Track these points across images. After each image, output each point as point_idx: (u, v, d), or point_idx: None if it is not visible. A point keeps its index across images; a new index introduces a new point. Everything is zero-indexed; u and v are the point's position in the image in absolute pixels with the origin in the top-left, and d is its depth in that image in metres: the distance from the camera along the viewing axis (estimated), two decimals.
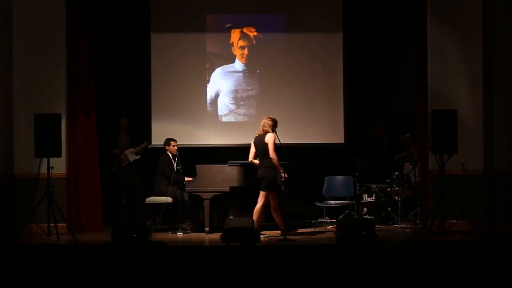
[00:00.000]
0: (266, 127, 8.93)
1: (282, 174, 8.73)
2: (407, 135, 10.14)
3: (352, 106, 10.98)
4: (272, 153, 8.77)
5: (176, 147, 9.91)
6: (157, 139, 10.74)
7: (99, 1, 10.31)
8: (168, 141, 10.00)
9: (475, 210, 9.04)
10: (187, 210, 9.93)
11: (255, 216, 8.85)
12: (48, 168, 8.85)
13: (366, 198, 10.14)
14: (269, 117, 9.04)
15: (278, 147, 9.01)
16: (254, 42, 11.07)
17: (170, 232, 9.44)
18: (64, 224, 9.05)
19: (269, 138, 8.83)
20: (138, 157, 10.43)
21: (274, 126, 8.95)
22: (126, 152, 10.38)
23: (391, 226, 9.82)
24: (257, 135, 9.02)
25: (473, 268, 4.54)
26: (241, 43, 11.08)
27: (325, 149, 10.89)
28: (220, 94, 11.07)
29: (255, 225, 8.68)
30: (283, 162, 8.77)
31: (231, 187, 9.52)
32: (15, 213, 9.16)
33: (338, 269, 5.25)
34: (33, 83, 9.42)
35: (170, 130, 10.65)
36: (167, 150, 9.97)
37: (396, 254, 5.71)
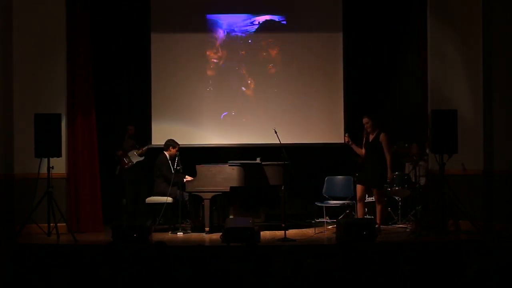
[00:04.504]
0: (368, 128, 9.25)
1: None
2: (415, 143, 10.11)
3: (352, 106, 10.97)
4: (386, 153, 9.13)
5: (177, 152, 9.84)
6: (157, 139, 10.72)
7: (99, 1, 10.31)
8: (175, 145, 9.86)
9: (475, 210, 9.04)
10: (187, 210, 9.92)
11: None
12: (48, 168, 8.85)
13: (366, 198, 10.13)
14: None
15: (278, 147, 9.03)
16: (254, 42, 11.08)
17: (170, 232, 9.44)
18: (64, 224, 9.05)
19: (382, 138, 9.14)
20: (141, 158, 10.41)
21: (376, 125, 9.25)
22: (130, 154, 10.36)
23: (391, 226, 9.82)
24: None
25: (471, 267, 4.55)
26: (241, 43, 11.08)
27: (325, 149, 10.90)
28: (220, 94, 11.07)
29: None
30: (283, 162, 8.77)
31: (231, 187, 9.53)
32: (15, 213, 9.16)
33: (338, 269, 5.26)
34: (33, 83, 9.42)
35: (171, 130, 10.65)
36: (168, 151, 9.90)
37: (396, 254, 5.72)
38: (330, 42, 11.10)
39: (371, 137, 9.25)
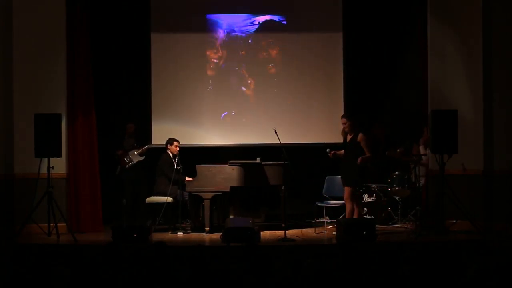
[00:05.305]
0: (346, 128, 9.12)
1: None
2: (398, 150, 10.08)
3: (352, 106, 10.97)
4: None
5: (178, 147, 9.88)
6: (157, 139, 10.73)
7: (99, 1, 10.31)
8: (171, 141, 9.94)
9: (475, 210, 9.04)
10: (187, 210, 9.93)
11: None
12: (48, 168, 8.84)
13: (366, 198, 10.12)
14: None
15: (278, 147, 9.03)
16: (254, 42, 11.07)
17: (170, 232, 9.44)
18: (64, 224, 9.05)
19: (360, 138, 8.99)
20: (142, 158, 10.40)
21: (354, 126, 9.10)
22: (130, 153, 10.37)
23: (391, 226, 9.82)
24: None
25: (471, 267, 4.54)
26: (241, 43, 11.08)
27: (325, 149, 10.88)
28: (220, 94, 11.07)
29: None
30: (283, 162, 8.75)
31: (231, 187, 9.53)
32: (15, 213, 9.16)
33: (338, 269, 5.26)
34: (33, 83, 9.42)
35: (171, 130, 10.65)
36: (168, 149, 9.95)
37: (396, 254, 5.72)
38: (330, 42, 11.10)
39: (349, 137, 9.16)
